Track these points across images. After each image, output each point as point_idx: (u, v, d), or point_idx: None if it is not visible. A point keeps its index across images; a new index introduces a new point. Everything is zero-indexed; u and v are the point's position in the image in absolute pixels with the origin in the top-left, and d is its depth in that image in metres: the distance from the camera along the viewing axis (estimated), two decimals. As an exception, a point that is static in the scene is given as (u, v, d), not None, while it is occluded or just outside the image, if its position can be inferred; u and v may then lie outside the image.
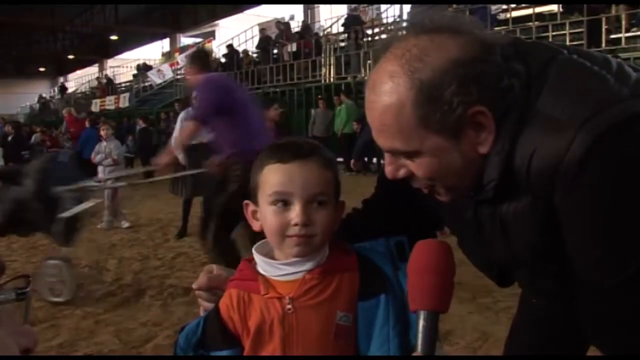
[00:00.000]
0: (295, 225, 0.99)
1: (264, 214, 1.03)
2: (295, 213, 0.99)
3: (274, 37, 18.67)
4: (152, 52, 33.23)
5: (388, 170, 1.04)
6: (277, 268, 1.03)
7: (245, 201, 1.10)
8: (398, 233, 1.09)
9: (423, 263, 0.91)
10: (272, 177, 1.01)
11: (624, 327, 0.94)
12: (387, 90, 0.96)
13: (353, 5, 17.82)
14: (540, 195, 0.94)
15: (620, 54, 8.82)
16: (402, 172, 1.03)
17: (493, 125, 0.95)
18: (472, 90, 0.93)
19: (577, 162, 0.87)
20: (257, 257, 1.06)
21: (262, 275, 1.04)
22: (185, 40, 30.81)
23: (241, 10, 25.60)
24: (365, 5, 17.98)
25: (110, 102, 24.58)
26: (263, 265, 1.05)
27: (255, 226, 1.08)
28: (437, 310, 0.89)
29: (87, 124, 12.45)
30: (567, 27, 10.74)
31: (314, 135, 12.31)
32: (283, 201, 1.00)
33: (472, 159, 0.98)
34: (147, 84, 24.83)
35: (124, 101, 23.97)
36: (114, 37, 31.81)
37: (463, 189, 1.05)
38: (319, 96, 13.54)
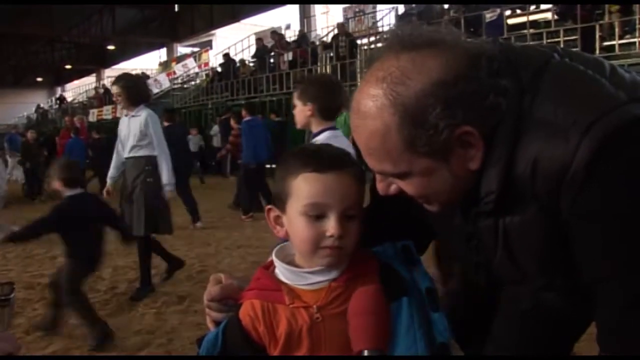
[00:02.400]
0: (331, 236, 0.98)
1: (293, 223, 1.02)
2: (331, 225, 0.98)
3: (270, 46, 18.73)
4: (150, 61, 33.34)
5: (379, 187, 1.04)
6: (303, 277, 1.02)
7: (268, 206, 1.08)
8: (397, 239, 1.09)
9: (361, 307, 0.95)
10: (309, 187, 0.99)
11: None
12: (370, 115, 0.94)
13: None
14: (546, 204, 0.93)
15: (614, 61, 8.76)
16: (392, 189, 1.03)
17: (481, 143, 0.94)
18: (457, 112, 0.91)
19: (584, 168, 0.87)
20: (279, 265, 1.04)
21: (286, 284, 1.02)
22: (182, 49, 30.89)
23: (238, 20, 25.69)
24: (361, 13, 18.07)
25: (107, 112, 24.60)
26: (287, 273, 1.03)
27: (280, 232, 1.06)
28: (379, 348, 0.92)
29: (71, 134, 12.62)
30: (562, 35, 10.81)
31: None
32: (317, 212, 0.99)
33: (462, 175, 0.98)
34: (144, 93, 24.79)
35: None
36: (111, 47, 31.92)
37: (453, 202, 1.05)
38: (316, 105, 13.53)
